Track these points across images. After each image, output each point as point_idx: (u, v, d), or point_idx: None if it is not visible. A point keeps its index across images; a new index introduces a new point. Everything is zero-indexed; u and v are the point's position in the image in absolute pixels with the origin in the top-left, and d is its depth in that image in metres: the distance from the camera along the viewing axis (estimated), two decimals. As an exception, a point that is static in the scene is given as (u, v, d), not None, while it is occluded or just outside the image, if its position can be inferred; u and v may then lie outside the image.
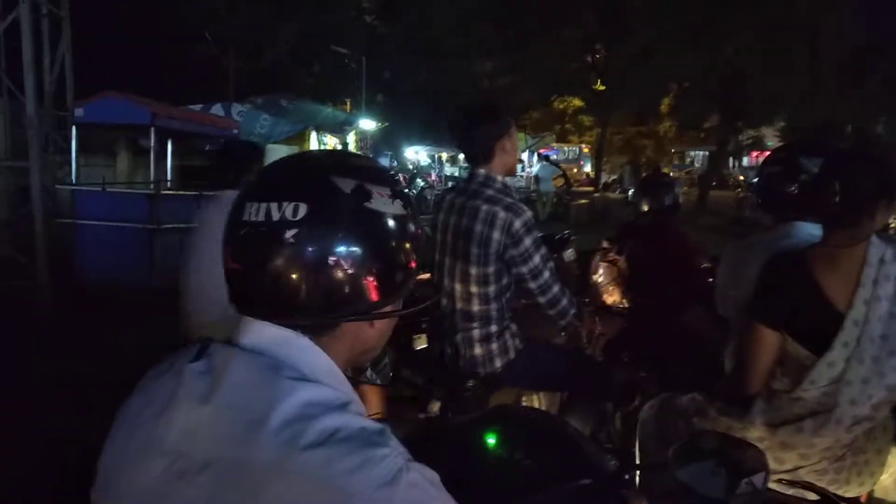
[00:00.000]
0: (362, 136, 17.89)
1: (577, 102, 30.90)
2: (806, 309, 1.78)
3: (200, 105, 12.91)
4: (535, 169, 21.06)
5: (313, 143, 14.67)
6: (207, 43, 16.22)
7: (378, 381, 1.43)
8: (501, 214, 2.38)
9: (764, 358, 1.84)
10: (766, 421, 1.81)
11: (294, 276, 0.82)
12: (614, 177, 30.12)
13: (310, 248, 0.82)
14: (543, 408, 2.89)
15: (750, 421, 1.82)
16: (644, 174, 8.88)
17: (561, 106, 34.23)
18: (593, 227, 11.85)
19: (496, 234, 2.39)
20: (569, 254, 4.45)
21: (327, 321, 0.87)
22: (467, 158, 2.54)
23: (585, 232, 8.03)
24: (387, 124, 18.51)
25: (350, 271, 0.84)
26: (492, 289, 2.46)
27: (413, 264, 0.91)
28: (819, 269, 1.78)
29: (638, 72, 21.01)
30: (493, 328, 2.49)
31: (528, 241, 2.39)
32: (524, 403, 2.84)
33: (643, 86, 21.60)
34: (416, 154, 23.70)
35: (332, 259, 0.83)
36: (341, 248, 0.83)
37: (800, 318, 1.79)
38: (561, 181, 19.11)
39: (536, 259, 2.41)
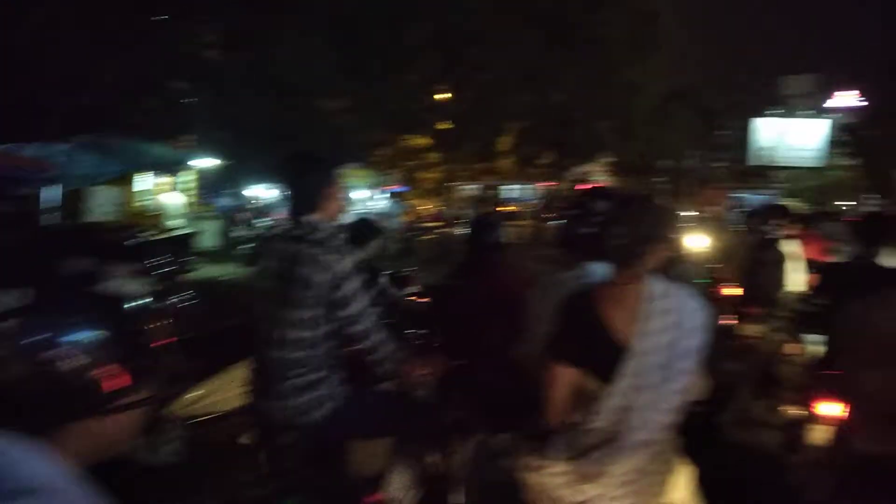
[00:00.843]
0: (202, 175, 17.07)
1: (423, 140, 31.72)
2: (594, 344, 1.90)
3: (6, 145, 11.53)
4: (383, 205, 21.23)
5: (142, 184, 13.72)
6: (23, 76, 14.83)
7: (163, 458, 1.32)
8: (323, 258, 2.36)
9: (560, 393, 1.93)
10: (565, 455, 1.89)
11: (8, 373, 0.73)
12: (462, 212, 31.03)
13: (25, 341, 0.73)
14: (374, 458, 2.81)
15: (552, 456, 1.90)
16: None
17: (409, 143, 34.96)
18: (439, 263, 12.02)
19: (318, 278, 2.35)
20: (411, 290, 4.46)
21: (52, 422, 0.77)
22: (294, 205, 2.49)
23: (431, 268, 8.13)
24: (229, 162, 17.83)
25: (76, 364, 0.75)
26: (311, 334, 2.40)
27: (161, 342, 0.84)
28: (605, 305, 1.91)
29: (479, 113, 22.04)
30: (313, 376, 2.42)
31: (348, 287, 2.37)
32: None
33: (484, 126, 22.68)
34: (267, 191, 23.00)
35: (52, 351, 0.74)
36: (66, 338, 0.75)
37: (590, 352, 1.90)
38: (409, 217, 19.43)
39: (356, 305, 2.39)
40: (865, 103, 37.21)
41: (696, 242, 6.93)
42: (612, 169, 35.06)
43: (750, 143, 62.87)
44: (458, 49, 20.35)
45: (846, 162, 38.56)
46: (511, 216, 20.01)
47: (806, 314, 4.00)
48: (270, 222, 17.75)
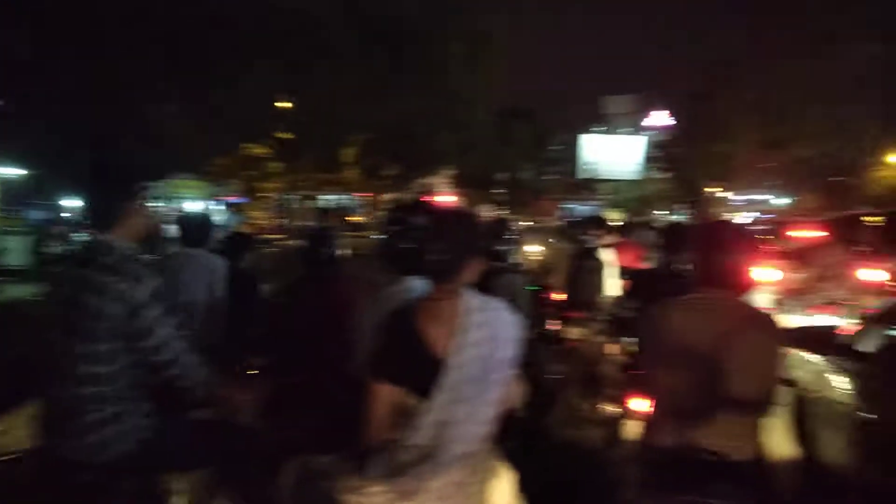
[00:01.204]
0: (4, 184, 15.20)
1: (262, 150, 30.61)
2: (413, 360, 1.90)
3: None
4: (219, 217, 20.22)
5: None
6: None
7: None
8: (114, 287, 2.15)
9: (380, 412, 1.91)
10: (383, 473, 1.86)
11: None
12: (307, 223, 30.35)
13: None
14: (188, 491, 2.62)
15: (370, 476, 1.86)
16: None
17: (249, 152, 33.57)
18: (280, 277, 11.66)
19: (110, 309, 2.15)
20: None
21: None
22: (92, 222, 2.25)
23: (273, 282, 7.87)
24: (38, 171, 16.06)
25: None
26: (108, 369, 2.20)
27: None
28: (423, 321, 1.92)
29: (320, 123, 21.75)
30: (114, 409, 2.22)
31: (148, 315, 2.18)
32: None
33: (326, 136, 22.42)
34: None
35: None
36: None
37: (408, 369, 1.90)
38: (248, 229, 18.63)
39: (159, 334, 2.21)
40: (674, 122, 41.59)
41: (529, 251, 7.26)
42: (453, 181, 36.15)
43: (578, 157, 67.63)
44: (298, 58, 19.96)
45: (661, 175, 42.85)
46: (356, 227, 19.92)
47: (620, 318, 4.29)
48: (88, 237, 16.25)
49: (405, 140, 23.35)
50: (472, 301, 1.96)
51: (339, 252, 3.65)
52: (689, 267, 2.34)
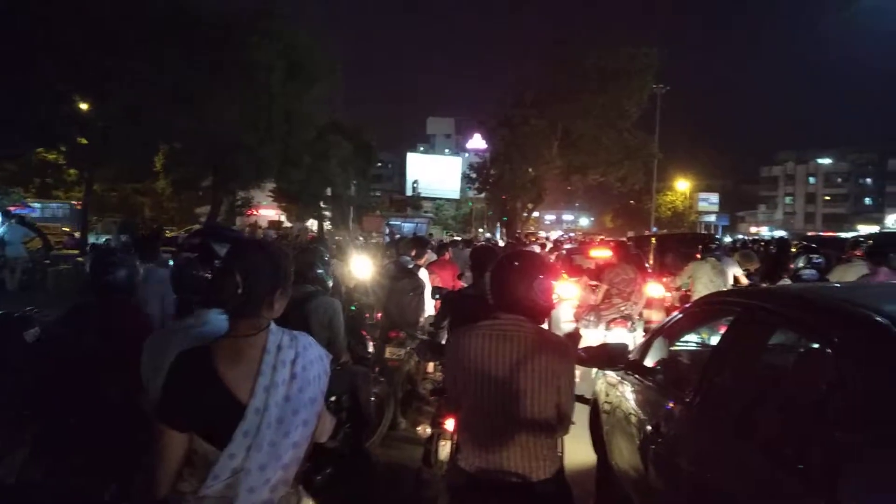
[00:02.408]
0: None
1: (53, 156, 27.48)
2: (210, 405, 1.72)
3: None
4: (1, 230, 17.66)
5: None
6: None
7: None
8: None
9: (171, 459, 1.71)
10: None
11: None
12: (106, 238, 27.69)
13: None
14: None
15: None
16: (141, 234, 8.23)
17: (45, 158, 29.99)
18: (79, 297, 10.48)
19: None
20: (31, 333, 3.69)
21: None
22: None
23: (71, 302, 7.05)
24: None
25: None
26: None
27: None
28: (223, 361, 1.74)
29: (123, 130, 19.99)
30: None
31: None
32: None
33: (130, 143, 20.64)
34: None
35: None
36: None
37: (204, 414, 1.72)
38: (38, 243, 16.43)
39: None
40: (488, 146, 43.78)
41: (351, 269, 7.21)
42: (275, 195, 35.06)
43: (405, 174, 68.88)
44: (99, 60, 18.21)
45: (479, 195, 44.88)
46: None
47: (432, 339, 4.36)
48: None
49: (222, 150, 22.18)
50: (278, 337, 1.84)
51: (131, 278, 3.27)
52: (490, 292, 2.40)
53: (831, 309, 2.35)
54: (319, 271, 4.06)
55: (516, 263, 2.39)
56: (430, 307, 6.27)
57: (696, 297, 8.07)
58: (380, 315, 6.54)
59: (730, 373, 2.78)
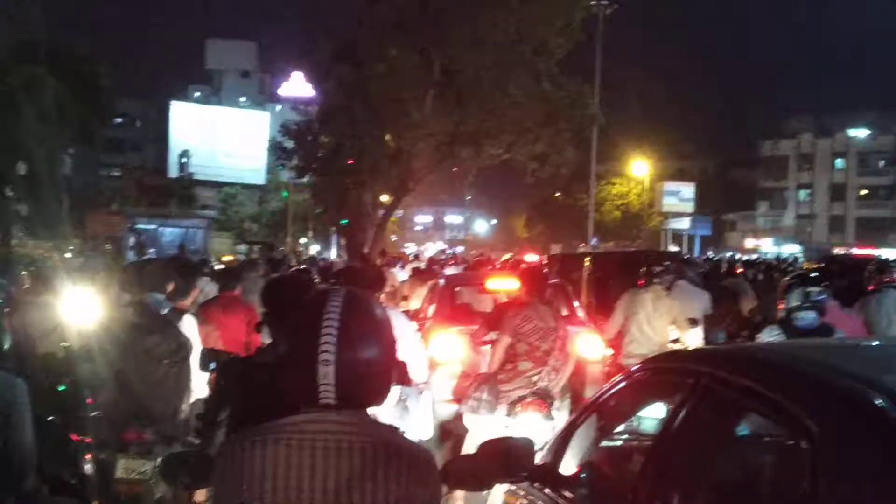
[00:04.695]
0: None
1: None
2: None
3: None
4: None
5: None
6: None
7: None
8: None
9: None
10: None
11: None
12: None
13: None
14: None
15: None
16: None
17: None
18: None
19: None
20: None
21: None
22: None
23: None
24: None
25: None
26: None
27: None
28: None
29: None
30: None
31: None
32: None
33: None
34: None
35: None
36: None
37: None
38: None
39: None
40: (313, 94, 43.33)
41: (58, 316, 7.03)
42: None
43: (168, 141, 67.68)
44: None
45: (298, 180, 44.44)
46: None
47: (201, 445, 4.38)
48: None
49: None
50: None
51: None
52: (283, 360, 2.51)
53: (802, 379, 2.61)
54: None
55: (332, 302, 2.46)
56: (200, 386, 6.19)
57: (629, 351, 8.59)
58: (108, 401, 6.37)
59: (672, 480, 3.02)
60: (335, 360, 2.36)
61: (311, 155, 37.07)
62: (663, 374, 3.65)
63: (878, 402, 2.17)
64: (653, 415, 4.55)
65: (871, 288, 9.68)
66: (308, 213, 52.01)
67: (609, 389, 4.11)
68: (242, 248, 45.69)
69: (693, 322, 8.91)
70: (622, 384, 4.05)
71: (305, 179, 42.49)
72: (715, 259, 35.44)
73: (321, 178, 38.35)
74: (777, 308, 7.18)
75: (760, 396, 2.71)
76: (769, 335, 6.72)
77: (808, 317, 6.69)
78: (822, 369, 2.68)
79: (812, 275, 8.50)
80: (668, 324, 8.78)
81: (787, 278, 8.33)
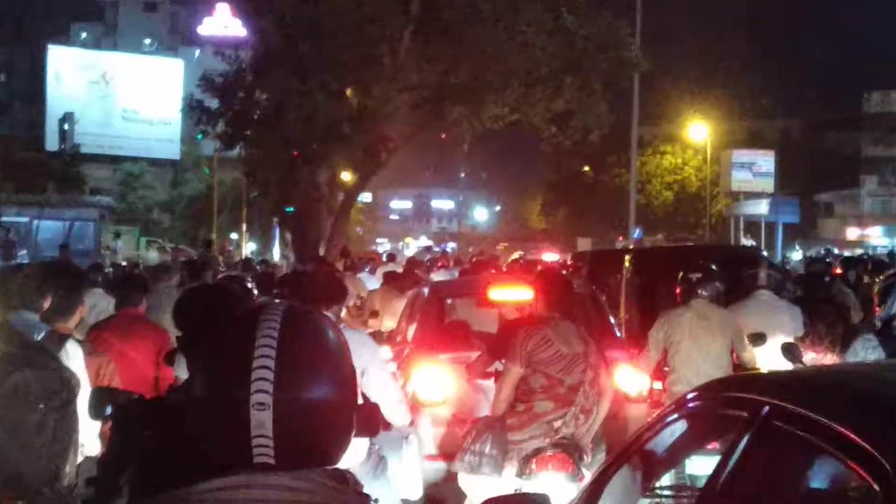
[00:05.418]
0: None
1: None
2: None
3: None
4: None
5: None
6: None
7: None
8: None
9: None
10: None
11: None
12: None
13: None
14: None
15: None
16: None
17: None
18: None
19: None
20: None
21: None
22: None
23: None
24: None
25: None
26: None
27: None
28: None
29: None
30: None
31: None
32: None
33: None
34: None
35: None
36: None
37: None
38: None
39: None
40: (247, 34, 43.22)
41: None
42: None
43: (45, 101, 68.51)
44: None
45: (225, 151, 44.38)
46: None
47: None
48: None
49: None
50: None
51: None
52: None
53: (878, 408, 2.75)
54: None
55: (268, 324, 2.44)
56: (90, 439, 6.19)
57: (674, 392, 8.55)
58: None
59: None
60: (273, 402, 2.34)
61: (243, 118, 36.68)
62: (713, 406, 3.70)
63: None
64: (703, 460, 4.60)
65: None
66: (240, 198, 51.94)
67: (648, 429, 4.17)
68: (153, 254, 45.86)
69: (757, 338, 8.80)
70: (664, 422, 4.14)
71: (236, 152, 42.27)
72: (815, 257, 35.32)
73: (257, 150, 38.09)
74: (873, 314, 7.20)
75: (827, 430, 2.80)
76: (862, 349, 6.73)
77: None
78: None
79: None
80: (727, 347, 8.73)
81: (882, 277, 8.36)
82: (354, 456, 5.62)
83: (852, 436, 2.61)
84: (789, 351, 8.43)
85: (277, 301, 2.79)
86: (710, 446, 4.20)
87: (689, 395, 4.33)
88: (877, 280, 11.79)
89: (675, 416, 4.12)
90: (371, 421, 2.60)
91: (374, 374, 6.80)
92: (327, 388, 2.40)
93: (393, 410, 6.81)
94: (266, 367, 2.35)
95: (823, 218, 78.83)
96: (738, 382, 5.14)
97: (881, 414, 2.67)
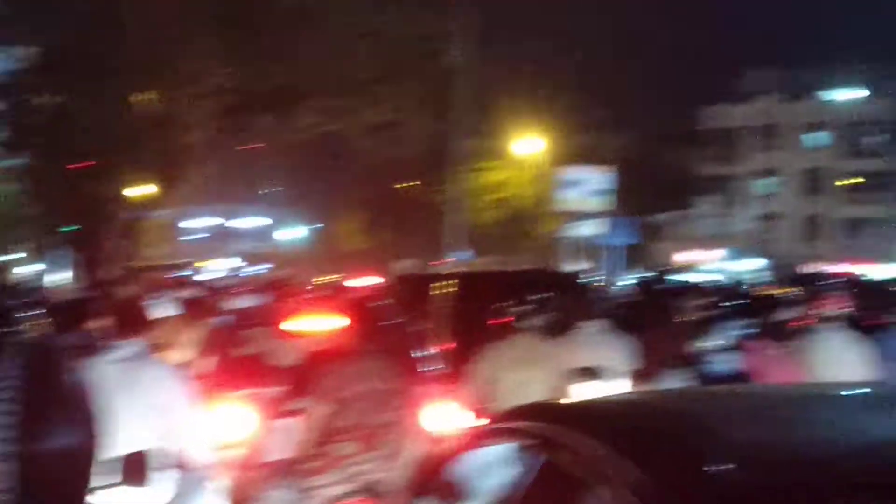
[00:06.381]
0: None
1: None
2: None
3: None
4: None
5: None
6: None
7: None
8: None
9: None
10: None
11: None
12: None
13: None
14: None
15: None
16: None
17: None
18: None
19: None
20: None
21: None
22: None
23: None
24: None
25: None
26: None
27: None
28: None
29: None
30: None
31: None
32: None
33: None
34: None
35: None
36: None
37: None
38: None
39: None
40: (29, 26, 42.67)
41: None
42: None
43: None
44: None
45: (6, 162, 43.83)
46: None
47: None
48: None
49: None
50: None
51: None
52: None
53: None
54: None
55: (7, 367, 2.51)
56: None
57: None
58: None
59: None
60: (17, 453, 2.35)
61: (25, 124, 35.46)
62: (502, 437, 3.83)
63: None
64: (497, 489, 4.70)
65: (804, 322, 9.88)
66: (20, 214, 51.12)
67: (445, 460, 4.53)
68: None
69: (586, 373, 8.89)
70: (461, 453, 4.49)
71: (19, 162, 41.30)
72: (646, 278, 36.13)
73: (39, 161, 36.87)
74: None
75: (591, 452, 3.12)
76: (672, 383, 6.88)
77: (720, 360, 6.91)
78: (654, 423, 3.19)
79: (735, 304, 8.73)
80: (551, 382, 8.82)
81: (695, 305, 8.51)
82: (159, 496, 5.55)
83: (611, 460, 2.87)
84: (588, 374, 8.68)
85: (18, 342, 2.83)
86: (502, 474, 4.32)
87: (484, 426, 4.48)
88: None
89: (472, 446, 4.43)
90: (137, 469, 2.74)
91: (176, 410, 6.71)
92: (78, 435, 2.49)
93: (193, 450, 6.71)
94: (8, 413, 2.41)
95: (655, 241, 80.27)
96: (524, 411, 5.26)
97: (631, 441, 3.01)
